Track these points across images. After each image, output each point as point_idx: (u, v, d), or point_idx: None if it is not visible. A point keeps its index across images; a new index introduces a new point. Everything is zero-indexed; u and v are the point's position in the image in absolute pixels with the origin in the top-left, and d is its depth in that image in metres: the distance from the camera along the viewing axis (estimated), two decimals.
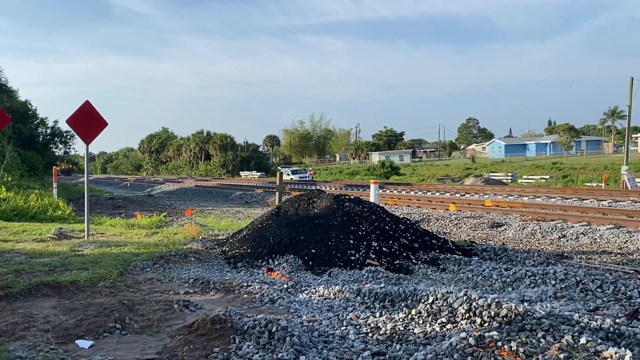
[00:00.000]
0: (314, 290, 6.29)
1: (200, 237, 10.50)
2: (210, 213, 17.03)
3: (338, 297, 5.88)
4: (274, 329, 4.40)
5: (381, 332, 4.69)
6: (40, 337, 4.76)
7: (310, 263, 7.70)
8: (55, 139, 43.00)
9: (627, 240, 9.20)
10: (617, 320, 4.44)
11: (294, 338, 4.27)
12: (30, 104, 39.67)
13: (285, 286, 6.52)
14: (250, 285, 6.49)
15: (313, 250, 7.93)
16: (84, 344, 4.64)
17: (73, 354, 4.37)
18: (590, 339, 3.89)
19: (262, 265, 7.88)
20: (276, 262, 7.86)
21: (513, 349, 3.68)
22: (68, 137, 43.48)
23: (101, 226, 13.06)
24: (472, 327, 4.36)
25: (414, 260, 7.79)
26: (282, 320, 4.56)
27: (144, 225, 12.85)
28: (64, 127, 43.23)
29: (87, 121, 10.82)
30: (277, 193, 17.17)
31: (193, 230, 11.30)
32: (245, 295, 6.16)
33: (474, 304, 4.67)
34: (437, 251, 8.22)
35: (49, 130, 42.02)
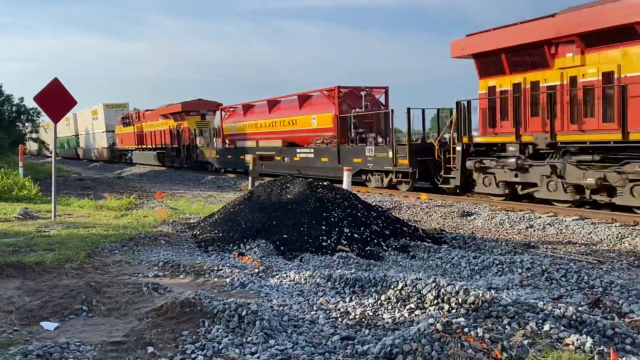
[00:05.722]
0: (285, 275, 6.30)
1: (170, 220, 10.39)
2: (182, 196, 16.85)
3: (309, 282, 5.91)
4: (244, 313, 4.39)
5: (350, 317, 4.73)
6: (4, 319, 4.65)
7: (282, 248, 7.70)
8: (22, 117, 41.76)
9: (591, 232, 9.44)
10: (579, 308, 4.57)
11: (264, 322, 4.28)
12: None
13: (256, 271, 6.51)
14: (221, 269, 6.46)
15: (285, 236, 7.92)
16: (49, 325, 4.56)
17: (37, 336, 4.29)
18: (553, 326, 4.00)
19: (234, 249, 7.85)
20: (248, 247, 7.83)
21: (479, 334, 3.75)
22: (34, 114, 42.27)
23: (69, 207, 12.80)
24: (440, 313, 4.43)
25: (384, 247, 7.86)
26: (252, 304, 4.56)
27: (113, 207, 12.64)
28: (30, 104, 41.95)
29: (56, 99, 10.56)
30: (250, 178, 17.07)
31: (164, 213, 11.17)
32: (216, 279, 6.13)
33: (442, 290, 4.74)
34: (408, 238, 8.31)
35: (14, 108, 40.76)
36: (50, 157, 11.54)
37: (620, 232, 9.11)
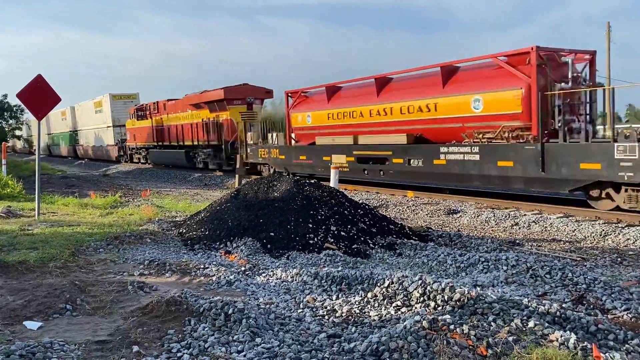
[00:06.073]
0: (271, 273, 6.28)
1: (156, 219, 10.32)
2: (168, 194, 16.75)
3: (295, 280, 5.90)
4: (230, 311, 4.38)
5: (337, 315, 4.73)
6: None
7: (269, 246, 7.68)
8: (5, 114, 41.21)
9: (575, 229, 9.55)
10: (563, 305, 4.61)
11: (250, 320, 4.26)
12: None
13: (242, 269, 6.49)
14: (208, 268, 6.43)
15: (272, 234, 7.91)
16: (32, 325, 4.50)
17: (20, 335, 4.23)
18: (538, 322, 4.04)
19: (220, 247, 7.82)
20: (234, 245, 7.81)
21: (465, 331, 3.78)
22: (18, 111, 41.71)
23: (53, 205, 12.66)
24: (426, 310, 4.45)
25: (371, 245, 7.88)
26: (238, 303, 4.54)
27: (98, 205, 12.53)
28: (14, 101, 41.33)
29: (39, 96, 10.44)
30: (236, 176, 17.02)
31: (149, 211, 11.09)
32: (202, 278, 6.10)
33: (428, 288, 4.76)
34: (394, 236, 8.33)
35: None
36: (40, 154, 11.44)
37: (603, 230, 9.23)
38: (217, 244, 7.96)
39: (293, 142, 19.65)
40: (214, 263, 6.76)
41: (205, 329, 4.22)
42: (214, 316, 4.38)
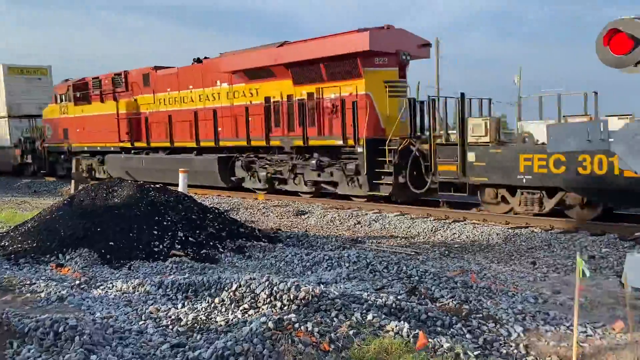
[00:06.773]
0: (110, 285, 5.87)
1: None
2: None
3: (138, 291, 5.58)
4: (60, 329, 4.00)
5: (182, 324, 4.57)
6: None
7: (108, 256, 7.18)
8: None
9: (410, 226, 10.37)
10: (398, 297, 4.97)
11: (85, 337, 3.93)
12: None
13: (77, 282, 5.99)
14: (35, 283, 5.82)
15: (111, 243, 7.40)
16: None
17: None
18: (376, 315, 4.30)
19: (51, 260, 7.12)
20: (67, 257, 7.15)
21: (309, 329, 3.88)
22: None
23: None
24: (273, 311, 4.49)
25: (220, 249, 7.77)
26: (70, 319, 4.16)
27: None
28: None
29: None
30: (72, 181, 15.67)
31: None
32: (28, 295, 5.50)
33: (275, 288, 4.81)
34: (244, 239, 8.31)
35: None
36: None
37: (434, 226, 10.14)
38: (48, 256, 7.23)
39: None
40: (43, 278, 6.13)
41: (31, 351, 3.81)
42: (42, 336, 3.97)
